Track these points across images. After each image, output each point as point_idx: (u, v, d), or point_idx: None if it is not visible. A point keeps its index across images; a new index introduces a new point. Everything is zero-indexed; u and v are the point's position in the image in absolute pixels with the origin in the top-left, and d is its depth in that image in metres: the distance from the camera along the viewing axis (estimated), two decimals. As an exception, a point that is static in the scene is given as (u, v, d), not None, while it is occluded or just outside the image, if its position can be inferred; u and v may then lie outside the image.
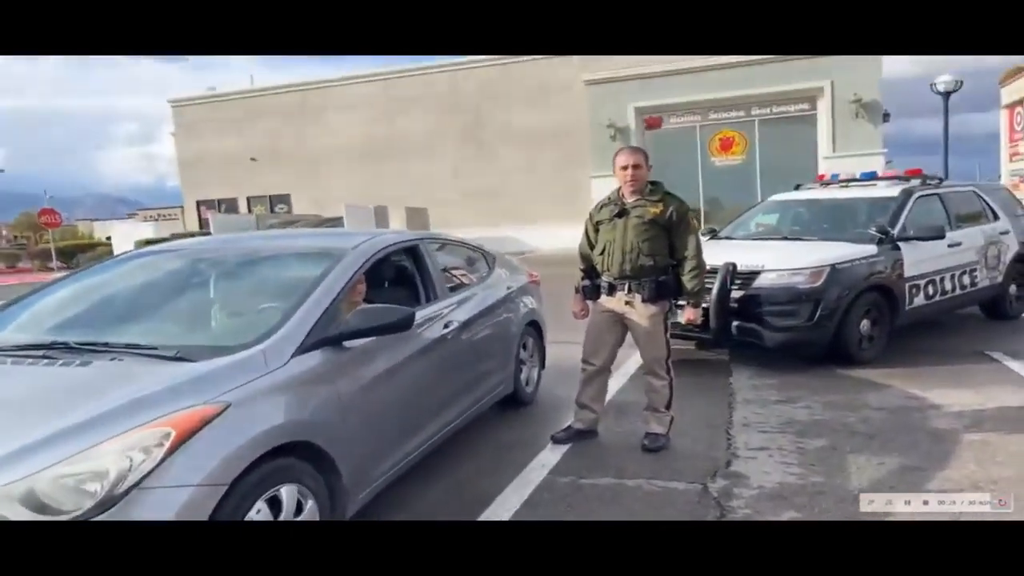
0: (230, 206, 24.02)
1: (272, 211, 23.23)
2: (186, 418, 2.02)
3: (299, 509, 2.36)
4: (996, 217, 6.84)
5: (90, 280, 3.48)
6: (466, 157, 21.94)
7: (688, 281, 3.70)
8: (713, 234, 7.28)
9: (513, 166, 21.43)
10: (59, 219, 22.43)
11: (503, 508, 3.07)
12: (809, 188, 7.52)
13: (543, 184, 20.86)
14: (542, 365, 4.97)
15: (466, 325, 3.72)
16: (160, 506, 1.88)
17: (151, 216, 32.85)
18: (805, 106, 18.41)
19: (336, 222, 15.91)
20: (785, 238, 6.41)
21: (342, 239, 3.39)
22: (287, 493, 2.29)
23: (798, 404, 4.39)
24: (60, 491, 1.81)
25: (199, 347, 2.46)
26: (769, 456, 3.55)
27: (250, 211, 22.86)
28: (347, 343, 2.73)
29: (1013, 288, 6.96)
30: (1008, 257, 6.77)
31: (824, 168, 16.29)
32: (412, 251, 3.69)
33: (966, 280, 6.26)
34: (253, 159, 23.65)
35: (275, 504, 2.26)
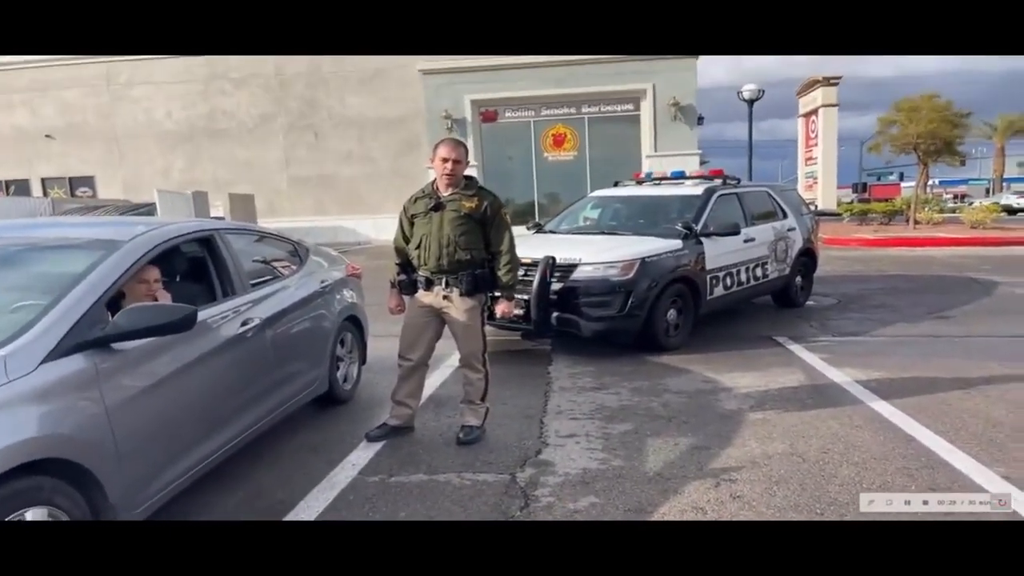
0: (20, 188, 21.10)
1: (73, 195, 20.72)
2: None
3: (50, 536, 2.07)
4: (785, 215, 7.60)
5: None
6: (296, 143, 20.88)
7: (503, 275, 3.72)
8: (538, 228, 7.48)
9: (347, 154, 20.75)
10: None
11: (303, 514, 2.92)
12: (626, 185, 7.94)
13: (379, 173, 20.39)
14: (363, 361, 4.82)
15: (269, 322, 3.48)
16: None
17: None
18: (630, 107, 19.45)
19: (149, 208, 14.53)
20: (602, 232, 6.70)
21: (122, 228, 3.02)
22: (33, 517, 2.00)
23: (609, 391, 4.60)
24: None
25: (-76, 351, 2.08)
26: (576, 443, 3.67)
27: (45, 194, 20.21)
28: (116, 346, 2.44)
29: (798, 279, 7.76)
30: (795, 251, 7.54)
31: (647, 165, 17.39)
32: (206, 242, 3.38)
33: (759, 272, 6.90)
34: (48, 136, 20.97)
35: (17, 532, 1.96)
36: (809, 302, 7.84)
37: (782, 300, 7.67)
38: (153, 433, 2.56)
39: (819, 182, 26.38)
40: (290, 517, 2.89)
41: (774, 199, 7.68)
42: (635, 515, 2.83)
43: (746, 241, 6.64)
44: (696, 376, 4.89)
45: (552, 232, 7.12)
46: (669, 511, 2.85)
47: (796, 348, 5.64)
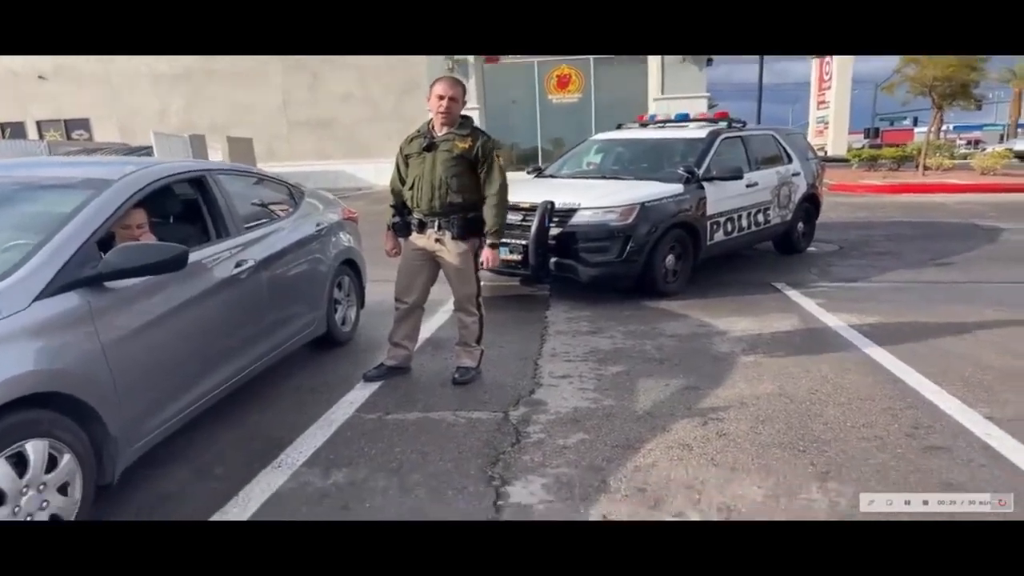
0: (16, 131, 20.85)
1: (69, 138, 20.52)
2: None
3: (53, 465, 2.15)
4: (790, 160, 7.50)
5: None
6: (294, 85, 20.54)
7: (489, 220, 3.64)
8: (538, 172, 7.41)
9: (346, 96, 20.40)
10: None
11: (302, 450, 2.99)
12: (629, 128, 7.83)
13: (380, 116, 20.07)
14: (361, 304, 4.86)
15: (264, 264, 3.50)
16: None
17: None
18: (637, 48, 19.02)
19: (146, 151, 14.41)
20: (603, 177, 6.62)
21: (111, 168, 3.02)
22: (34, 449, 2.08)
23: (604, 334, 4.64)
24: None
25: (-82, 288, 2.11)
26: (570, 383, 3.73)
27: (41, 137, 20.03)
28: (110, 284, 2.47)
29: (800, 225, 7.71)
30: (798, 197, 7.47)
31: (654, 108, 17.08)
32: (198, 183, 3.37)
33: (760, 218, 6.85)
34: (42, 77, 20.64)
35: (21, 462, 2.04)
36: (811, 248, 7.81)
37: (783, 246, 7.64)
38: (150, 370, 2.62)
39: (830, 127, 25.96)
40: (286, 452, 2.97)
41: (779, 143, 7.56)
42: (622, 451, 2.89)
43: (749, 186, 6.56)
44: (692, 321, 4.92)
45: (552, 176, 7.05)
46: (656, 447, 2.92)
47: (794, 294, 5.66)
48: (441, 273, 3.84)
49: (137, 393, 2.52)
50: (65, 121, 21.18)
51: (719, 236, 6.28)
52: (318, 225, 4.29)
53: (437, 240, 3.69)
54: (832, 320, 4.77)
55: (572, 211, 5.49)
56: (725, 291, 5.84)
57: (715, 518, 2.38)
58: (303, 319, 3.97)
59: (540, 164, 8.19)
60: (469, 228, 3.67)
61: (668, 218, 5.65)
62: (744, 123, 7.30)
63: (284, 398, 3.63)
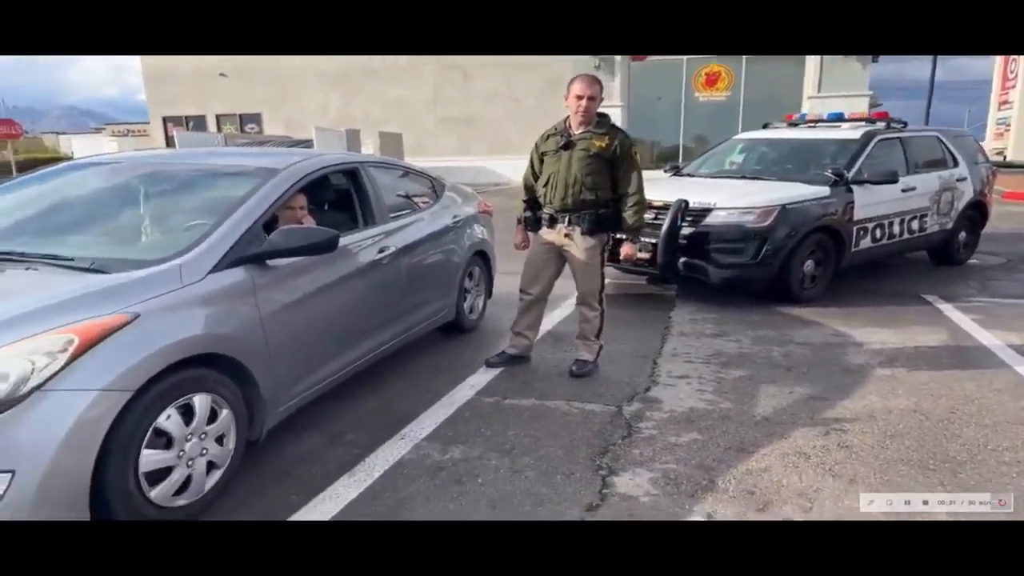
0: (198, 123, 23.36)
1: (242, 130, 22.64)
2: (91, 326, 2.10)
3: (213, 417, 2.47)
4: (956, 163, 6.91)
5: (22, 190, 3.48)
6: (445, 83, 21.44)
7: (629, 217, 3.71)
8: (675, 171, 7.31)
9: (492, 94, 21.01)
10: (20, 130, 21.54)
11: (424, 425, 3.21)
12: (776, 128, 7.52)
13: (522, 113, 20.48)
14: (488, 295, 5.08)
15: (404, 251, 3.77)
16: (62, 408, 1.98)
17: (119, 132, 31.86)
18: (793, 43, 18.06)
19: (307, 144, 15.63)
20: (744, 177, 6.43)
21: (279, 159, 3.39)
22: (200, 402, 2.40)
23: (730, 338, 4.55)
24: None
25: (116, 260, 2.52)
26: (688, 384, 3.71)
27: (219, 130, 22.27)
28: (271, 262, 2.79)
29: (963, 235, 7.09)
30: (962, 204, 6.88)
31: (808, 108, 16.17)
32: (351, 174, 3.71)
33: (915, 225, 6.38)
34: (223, 75, 22.90)
35: (187, 411, 2.36)
36: (972, 260, 7.15)
37: (941, 257, 7.05)
38: (298, 342, 2.92)
39: (1012, 129, 23.30)
40: (409, 427, 3.20)
41: (944, 145, 6.98)
42: (735, 454, 2.87)
43: (905, 191, 6.13)
44: (826, 329, 4.70)
45: (690, 175, 6.94)
46: (771, 453, 2.87)
47: (946, 307, 5.24)
48: (566, 268, 3.95)
49: (286, 361, 2.84)
50: (240, 115, 23.41)
51: (866, 243, 5.92)
52: (455, 217, 4.54)
53: (567, 235, 3.79)
54: (987, 337, 4.39)
55: (707, 211, 5.39)
56: (868, 301, 5.51)
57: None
58: (435, 304, 4.22)
59: (680, 163, 8.05)
60: (599, 225, 3.75)
61: (810, 221, 5.41)
62: (905, 124, 6.81)
63: (412, 376, 3.89)
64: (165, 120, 24.08)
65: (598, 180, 3.68)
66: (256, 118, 23.29)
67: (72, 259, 2.50)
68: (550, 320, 4.79)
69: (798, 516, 2.40)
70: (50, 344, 2.01)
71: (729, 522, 1.64)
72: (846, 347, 4.30)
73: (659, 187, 5.99)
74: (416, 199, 4.42)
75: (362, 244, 3.46)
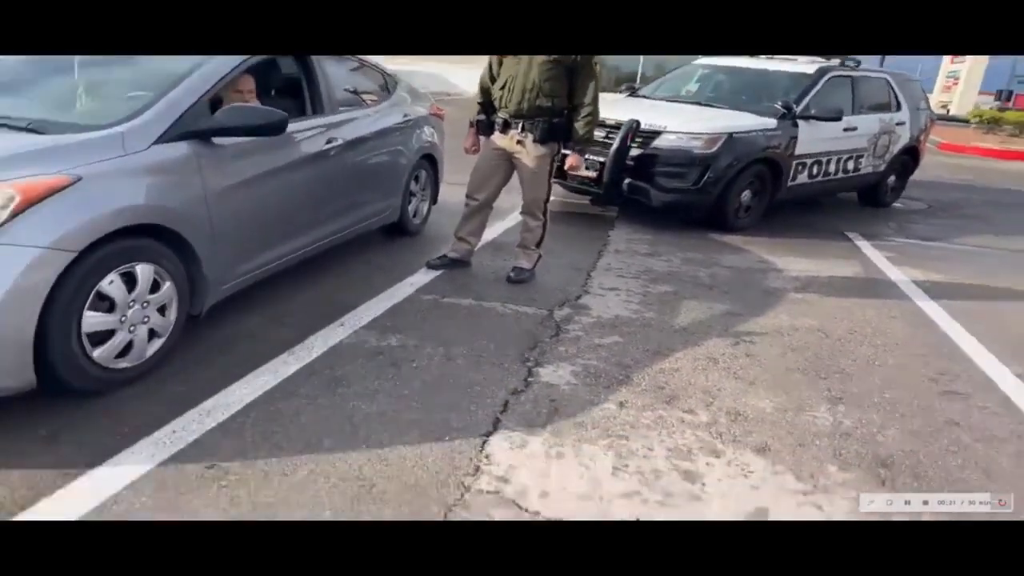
0: None
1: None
2: (33, 184, 2.11)
3: (156, 288, 2.53)
4: (899, 108, 7.12)
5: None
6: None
7: (580, 128, 3.75)
8: (632, 92, 7.35)
9: None
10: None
11: (363, 315, 3.33)
12: (736, 56, 7.58)
13: (483, 25, 19.87)
14: (434, 200, 5.14)
15: (351, 144, 3.78)
16: (6, 263, 2.01)
17: None
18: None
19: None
20: (698, 103, 6.52)
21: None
22: (143, 271, 2.45)
23: (661, 258, 4.78)
24: None
25: (55, 122, 2.49)
26: (616, 295, 3.93)
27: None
28: (217, 141, 2.79)
29: (892, 179, 7.40)
30: (897, 148, 7.13)
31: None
32: (302, 61, 3.65)
33: (851, 165, 6.63)
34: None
35: (130, 279, 2.42)
36: (896, 204, 7.54)
37: (868, 198, 7.39)
38: (242, 223, 2.96)
39: (960, 83, 23.99)
40: (348, 315, 3.31)
41: (892, 89, 7.15)
42: (651, 355, 3.11)
43: (846, 130, 6.33)
44: (752, 256, 4.98)
45: (645, 97, 7.00)
46: (684, 356, 3.12)
47: (864, 244, 5.58)
48: (513, 178, 4.03)
49: (229, 240, 2.88)
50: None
51: (803, 178, 6.15)
52: (405, 116, 4.52)
53: (519, 142, 3.84)
54: (895, 273, 4.74)
55: (656, 133, 5.47)
56: (794, 233, 5.80)
57: (723, 421, 2.58)
58: (380, 204, 4.27)
59: (636, 85, 8.07)
60: (551, 133, 3.79)
61: (754, 152, 5.55)
62: (859, 63, 6.94)
63: (353, 272, 3.97)
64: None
65: (556, 87, 3.71)
66: None
67: (8, 118, 2.46)
68: (492, 231, 4.91)
69: (701, 409, 2.65)
70: (-10, 199, 2.02)
71: (727, 522, 1.74)
72: (767, 272, 4.58)
73: (614, 107, 6.04)
74: (367, 94, 4.38)
75: (309, 133, 3.46)
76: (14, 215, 2.04)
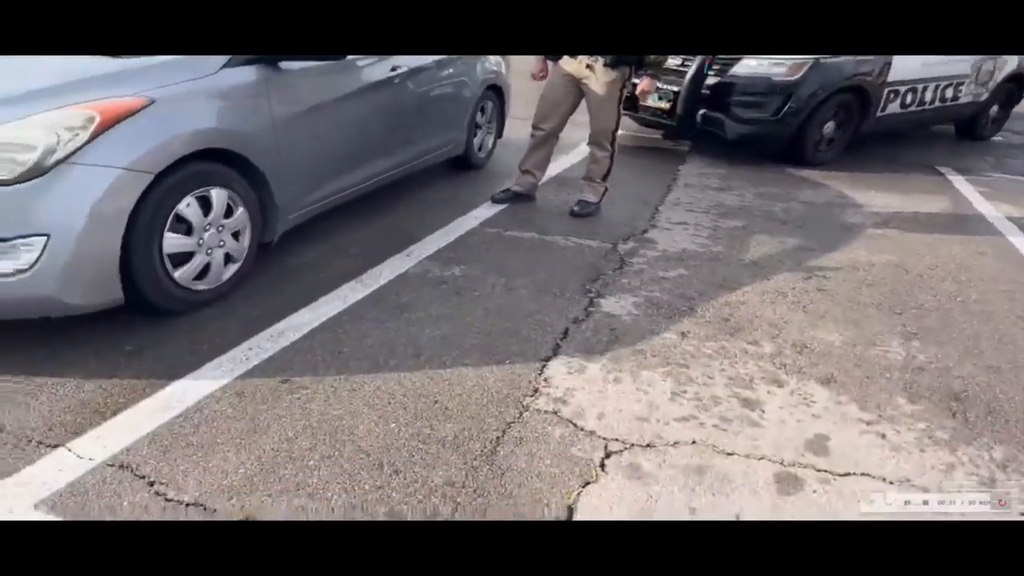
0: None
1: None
2: (111, 106, 2.19)
3: (229, 213, 2.64)
4: (1005, 30, 6.56)
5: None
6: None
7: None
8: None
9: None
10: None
11: (428, 247, 3.38)
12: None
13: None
14: (499, 134, 5.10)
15: (415, 72, 3.76)
16: (89, 180, 2.12)
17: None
18: None
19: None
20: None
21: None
22: (217, 195, 2.55)
23: (733, 192, 4.62)
24: None
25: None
26: (684, 229, 3.84)
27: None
28: (283, 65, 2.83)
29: (994, 109, 6.86)
30: (1002, 75, 6.59)
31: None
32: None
33: (949, 93, 6.16)
34: None
35: (206, 204, 2.52)
36: (997, 137, 7.01)
37: (966, 131, 6.89)
38: (309, 152, 3.02)
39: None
40: (416, 246, 3.36)
41: None
42: (717, 288, 3.04)
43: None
44: (831, 191, 4.75)
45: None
46: (751, 290, 3.04)
47: (957, 179, 5.23)
48: (581, 107, 3.94)
49: (298, 169, 2.96)
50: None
51: (894, 108, 5.74)
52: (469, 47, 4.46)
53: (588, 66, 3.74)
54: (987, 208, 4.44)
55: (736, 59, 5.22)
56: (879, 168, 5.49)
57: (788, 353, 2.52)
58: (446, 135, 4.27)
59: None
60: (622, 57, 3.68)
61: (841, 79, 5.22)
62: None
63: (418, 205, 4.02)
64: None
65: None
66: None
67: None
68: (557, 165, 4.85)
69: (766, 341, 2.60)
70: (72, 119, 2.11)
71: (726, 522, 1.74)
72: (846, 207, 4.37)
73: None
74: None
75: (373, 60, 3.46)
76: (94, 136, 2.14)
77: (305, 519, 1.65)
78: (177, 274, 2.46)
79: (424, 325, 2.59)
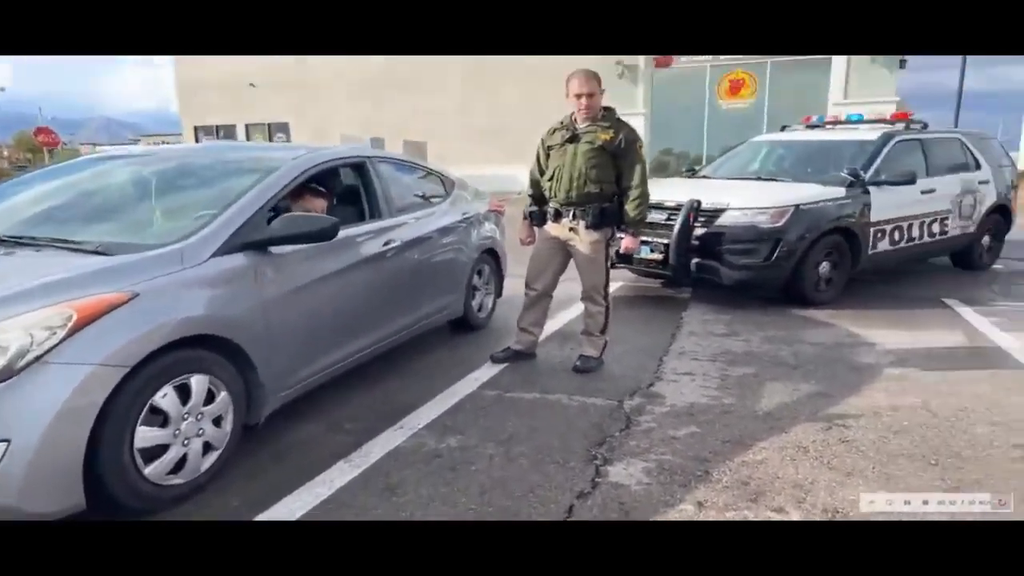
0: (228, 133, 23.76)
1: (271, 139, 23.01)
2: (90, 303, 2.15)
3: (211, 399, 2.52)
4: (978, 166, 6.79)
5: (42, 182, 3.59)
6: (471, 94, 21.56)
7: (631, 210, 3.72)
8: (692, 172, 7.28)
9: (517, 104, 21.04)
10: (57, 139, 22.21)
11: (423, 416, 3.22)
12: (793, 130, 7.46)
13: (545, 123, 20.48)
14: (498, 294, 5.09)
15: (410, 245, 3.80)
16: (58, 380, 2.02)
17: (153, 142, 32.63)
18: (821, 50, 17.90)
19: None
20: (760, 179, 6.38)
21: (284, 153, 3.45)
22: (197, 383, 2.44)
23: (739, 337, 4.51)
24: None
25: (121, 243, 2.58)
26: (692, 380, 3.68)
27: (248, 139, 22.66)
28: (275, 250, 2.84)
29: (986, 239, 6.96)
30: (985, 207, 6.76)
31: (833, 114, 15.97)
32: (358, 168, 3.76)
33: (936, 228, 6.26)
34: (252, 85, 23.27)
35: (184, 391, 2.41)
36: (996, 265, 7.00)
37: (963, 261, 6.93)
38: (299, 329, 2.96)
39: (1047, 137, 22.75)
40: (411, 416, 3.20)
41: (967, 147, 6.85)
42: (732, 446, 2.84)
43: (924, 192, 6.03)
44: (838, 330, 4.63)
45: (706, 177, 6.91)
46: (769, 446, 2.83)
47: (966, 311, 5.12)
48: (571, 265, 3.95)
49: (287, 348, 2.87)
50: (269, 124, 23.78)
51: (883, 245, 5.82)
52: (464, 214, 4.56)
53: (571, 229, 3.80)
54: (1005, 340, 4.28)
55: (720, 211, 5.34)
56: (883, 303, 5.42)
57: (818, 519, 2.28)
58: (441, 300, 4.24)
59: (697, 166, 8.03)
60: (603, 219, 3.74)
61: (825, 222, 5.33)
62: (925, 125, 6.71)
63: (416, 370, 3.91)
64: (196, 130, 24.56)
65: (602, 173, 3.69)
66: (284, 127, 23.63)
67: (79, 243, 2.57)
68: (558, 320, 4.79)
69: (791, 507, 2.36)
70: (49, 319, 2.06)
71: (726, 522, 1.61)
72: (857, 347, 4.23)
73: (673, 188, 5.98)
74: (425, 195, 4.45)
75: (366, 236, 3.50)
76: (71, 333, 2.08)
77: None
78: (148, 470, 2.29)
79: (414, 509, 2.38)
